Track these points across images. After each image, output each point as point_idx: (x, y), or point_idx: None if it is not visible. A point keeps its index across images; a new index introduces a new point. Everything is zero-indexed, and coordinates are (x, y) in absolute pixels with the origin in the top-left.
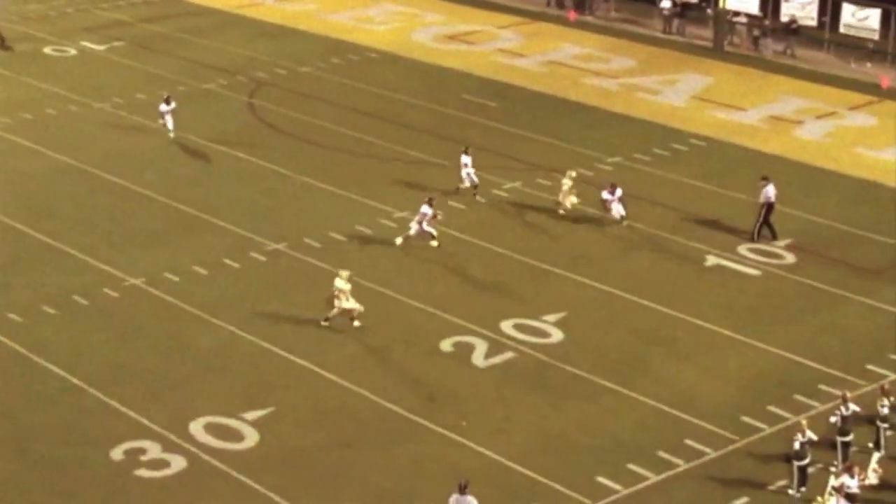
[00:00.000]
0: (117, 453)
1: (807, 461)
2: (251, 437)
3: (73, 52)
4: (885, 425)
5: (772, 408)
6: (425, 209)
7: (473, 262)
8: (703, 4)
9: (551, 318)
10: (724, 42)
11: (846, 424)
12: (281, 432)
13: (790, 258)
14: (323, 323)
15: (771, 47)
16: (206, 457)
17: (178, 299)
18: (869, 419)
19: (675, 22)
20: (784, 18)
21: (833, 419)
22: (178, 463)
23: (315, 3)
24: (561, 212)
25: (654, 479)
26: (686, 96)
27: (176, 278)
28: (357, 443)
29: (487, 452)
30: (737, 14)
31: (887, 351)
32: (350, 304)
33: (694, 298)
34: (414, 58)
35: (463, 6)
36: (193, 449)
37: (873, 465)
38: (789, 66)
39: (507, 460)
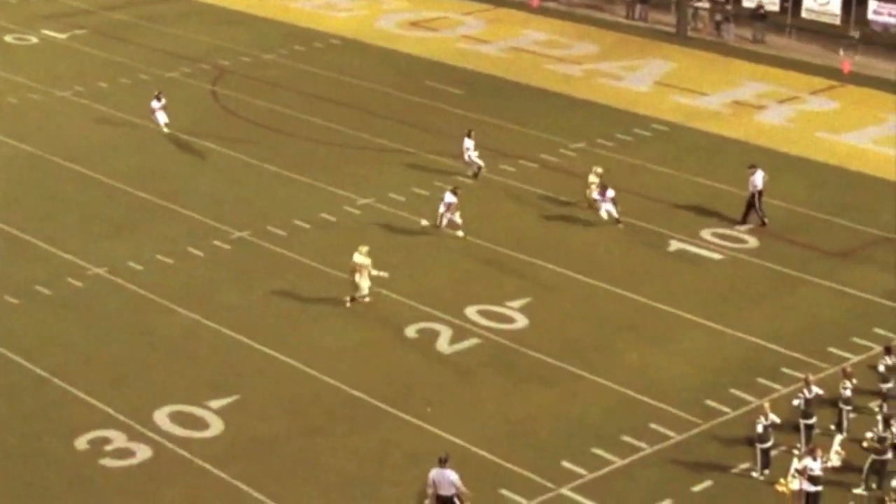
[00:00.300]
0: (82, 443)
1: (770, 444)
2: (216, 426)
3: (34, 40)
4: (848, 407)
5: (735, 391)
6: (449, 198)
7: (437, 249)
8: None
9: (515, 303)
10: (687, 28)
11: (809, 407)
12: (246, 420)
13: (753, 242)
14: (366, 299)
15: (733, 32)
16: (171, 445)
17: (142, 288)
18: (832, 402)
19: (638, 7)
20: (748, 4)
21: (796, 402)
22: (143, 452)
23: None
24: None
25: (618, 463)
26: (649, 82)
27: (139, 267)
28: (322, 430)
29: (452, 438)
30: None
31: (849, 334)
32: (359, 279)
33: (657, 283)
34: (377, 45)
35: None
36: (158, 438)
37: (836, 447)
38: (751, 52)
39: (472, 446)
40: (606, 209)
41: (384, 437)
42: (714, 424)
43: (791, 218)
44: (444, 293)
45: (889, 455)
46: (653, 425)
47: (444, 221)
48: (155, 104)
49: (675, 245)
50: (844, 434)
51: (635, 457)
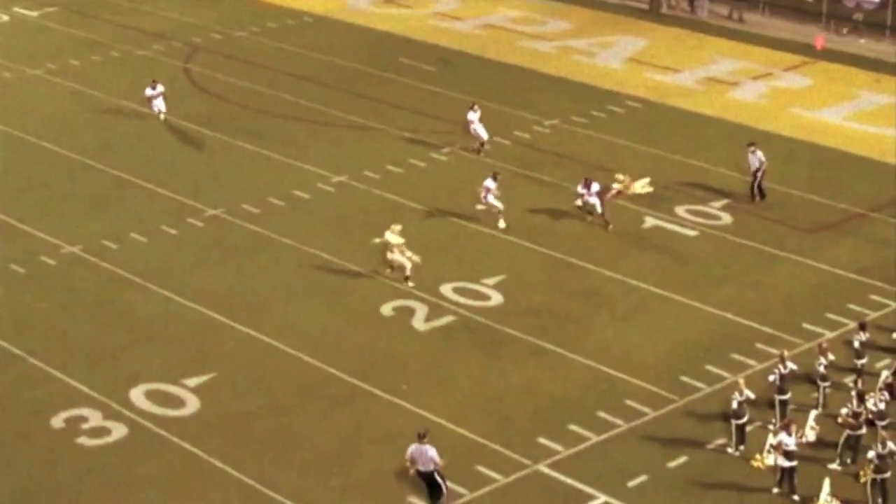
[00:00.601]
0: (58, 421)
1: (745, 420)
2: (192, 404)
3: (5, 17)
4: (826, 384)
5: (710, 367)
6: (489, 183)
7: (412, 226)
8: None
9: (490, 281)
10: (660, 4)
11: (784, 383)
12: (222, 398)
13: (727, 218)
14: (409, 284)
15: (707, 9)
16: (147, 423)
17: (117, 266)
18: (808, 378)
19: None
20: None
21: (771, 378)
22: (119, 430)
23: None
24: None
25: (594, 439)
26: (622, 58)
27: (114, 245)
28: (298, 407)
29: (428, 415)
30: None
31: (823, 310)
32: (400, 257)
33: (632, 260)
34: (351, 22)
35: None
36: (134, 416)
37: (811, 422)
38: (725, 28)
39: (447, 422)
40: (590, 202)
41: (360, 414)
42: (689, 400)
43: (765, 194)
44: (420, 270)
45: (863, 430)
46: (628, 401)
47: (496, 206)
48: (149, 92)
49: (649, 222)
50: (820, 409)
51: (611, 433)
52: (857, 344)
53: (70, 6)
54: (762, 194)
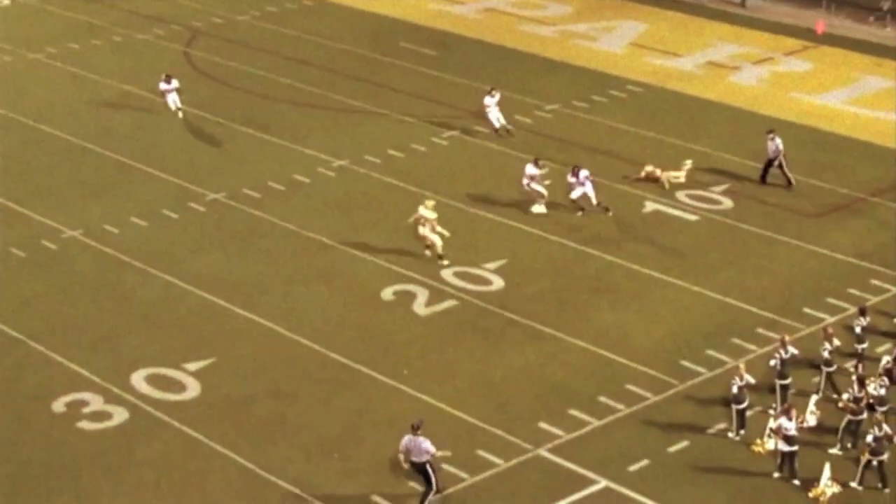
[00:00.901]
0: (59, 406)
1: (745, 404)
2: (193, 388)
3: (6, 1)
4: (831, 369)
5: (710, 352)
6: (531, 169)
7: (413, 211)
8: None
9: (491, 265)
10: None
11: (785, 367)
12: (223, 383)
13: (727, 203)
14: (444, 261)
15: None
16: (148, 408)
17: (118, 251)
18: (810, 363)
19: None
20: None
21: (772, 362)
22: (120, 414)
23: None
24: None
25: (595, 423)
26: (623, 43)
27: (115, 230)
28: (299, 392)
29: (429, 399)
30: None
31: (824, 294)
32: (430, 233)
33: (633, 244)
34: (351, 6)
35: None
36: (135, 400)
37: (811, 407)
38: (725, 13)
39: (448, 407)
40: (582, 192)
41: (361, 399)
42: (690, 385)
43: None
44: (421, 255)
45: (865, 416)
46: (629, 386)
47: (538, 191)
48: (164, 86)
49: (650, 206)
50: (820, 394)
51: (612, 418)
52: (857, 329)
53: None
54: (788, 181)
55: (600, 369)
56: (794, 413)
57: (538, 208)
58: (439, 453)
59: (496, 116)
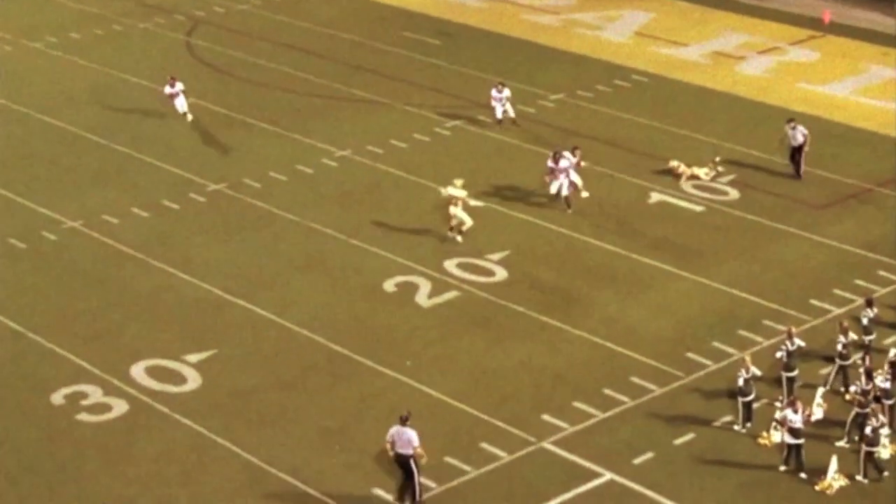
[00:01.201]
0: (58, 398)
1: (751, 397)
2: (193, 380)
3: None
4: (847, 362)
5: (716, 344)
6: (564, 163)
7: (416, 201)
8: None
9: (495, 256)
10: None
11: (791, 359)
12: (223, 374)
13: (734, 194)
14: (459, 238)
15: None
16: (148, 400)
17: (118, 241)
18: (825, 356)
19: None
20: None
21: (778, 354)
22: (119, 407)
23: None
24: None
25: (600, 416)
26: (628, 32)
27: (115, 220)
28: (300, 384)
29: (432, 392)
30: None
31: (830, 286)
32: (460, 212)
33: (638, 235)
34: None
35: None
36: (135, 392)
37: (818, 399)
38: (731, 2)
39: (451, 399)
40: (564, 182)
41: (363, 391)
42: (695, 377)
43: (772, 169)
44: (423, 246)
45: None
46: (634, 378)
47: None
48: (168, 90)
49: (655, 197)
50: (828, 387)
51: (616, 410)
52: (865, 320)
53: None
54: (798, 173)
55: (605, 361)
56: (800, 405)
57: (585, 193)
58: (421, 451)
59: (501, 109)
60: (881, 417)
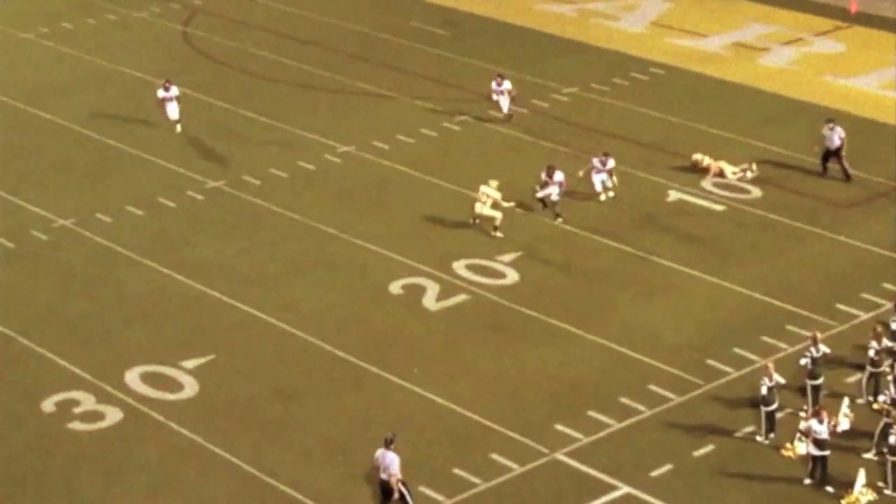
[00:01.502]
0: (48, 405)
1: (775, 406)
2: (190, 387)
3: None
4: (878, 370)
5: (738, 350)
6: (595, 163)
7: (423, 200)
8: None
9: (506, 257)
10: None
11: (816, 367)
12: (222, 381)
13: (756, 192)
14: (499, 234)
15: None
16: (142, 408)
17: (111, 241)
18: (853, 363)
19: None
20: None
21: (803, 361)
22: (113, 415)
23: None
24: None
25: (615, 426)
26: (645, 22)
27: (108, 219)
28: (302, 391)
29: (440, 400)
30: None
31: (858, 289)
32: (491, 210)
33: (656, 236)
34: None
35: None
36: (129, 400)
37: (844, 409)
38: None
39: (460, 408)
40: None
41: (368, 399)
42: (716, 385)
43: (796, 166)
44: (431, 246)
45: None
46: (652, 386)
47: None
48: (162, 93)
49: (674, 195)
50: (865, 397)
51: (633, 420)
52: (894, 326)
53: None
54: (824, 170)
55: (621, 368)
56: (825, 415)
57: (607, 194)
58: (396, 479)
59: (504, 103)
60: None
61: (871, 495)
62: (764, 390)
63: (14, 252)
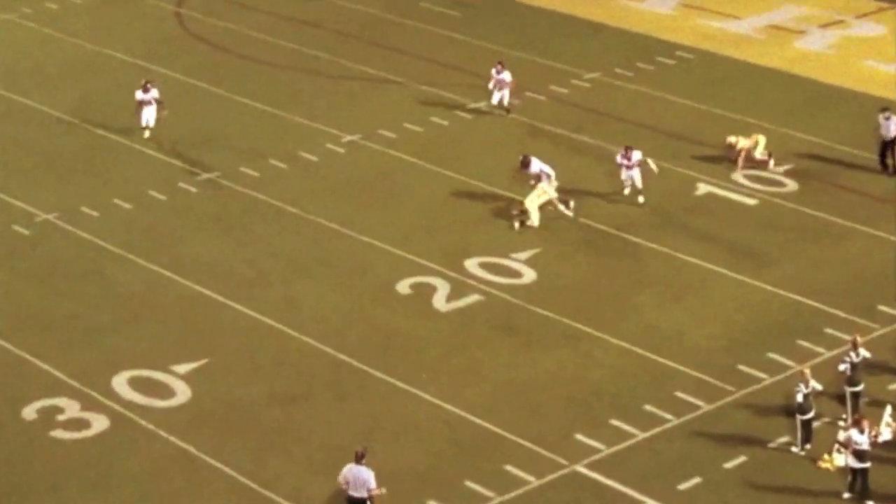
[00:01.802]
0: (30, 412)
1: (811, 415)
2: (182, 393)
3: None
4: None
5: (772, 355)
6: (629, 157)
7: (433, 193)
8: None
9: (522, 255)
10: None
11: (856, 373)
12: (216, 386)
13: (792, 185)
14: (517, 225)
15: None
16: (131, 415)
17: (98, 237)
18: (882, 367)
19: None
20: None
21: (842, 367)
22: (99, 422)
23: None
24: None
25: (640, 436)
26: (673, 2)
27: (95, 213)
28: (302, 397)
29: (450, 407)
30: None
31: None
32: (534, 207)
33: (683, 231)
34: None
35: None
36: (117, 406)
37: (886, 418)
38: None
39: (472, 416)
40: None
41: (372, 406)
42: (748, 392)
43: (834, 158)
44: (442, 243)
45: None
46: (678, 393)
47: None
48: (140, 95)
49: (703, 188)
50: None
51: (659, 429)
52: None
53: None
54: (890, 168)
55: (645, 373)
56: (866, 425)
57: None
58: (377, 491)
59: (499, 94)
60: None
61: None
62: (799, 398)
63: None
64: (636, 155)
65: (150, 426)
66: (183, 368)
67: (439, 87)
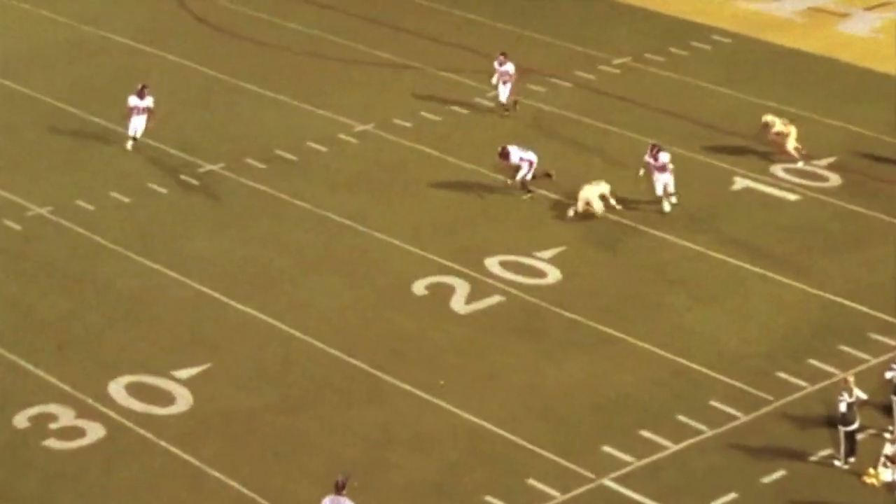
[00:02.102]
0: (21, 420)
1: (855, 426)
2: (183, 400)
3: None
4: None
5: (813, 361)
6: (656, 156)
7: (451, 186)
8: None
9: (546, 254)
10: None
11: None
12: (219, 393)
13: (834, 180)
14: (571, 212)
15: None
16: (128, 423)
17: (94, 232)
18: None
19: None
20: None
21: (888, 375)
22: (95, 431)
23: None
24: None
25: (671, 447)
26: None
27: (90, 207)
28: (311, 405)
29: (469, 416)
30: None
31: None
32: (597, 199)
33: (718, 229)
34: None
35: None
36: (113, 414)
37: None
38: None
39: (493, 426)
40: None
41: (386, 415)
42: (787, 402)
43: (880, 150)
44: (461, 240)
45: None
46: (713, 402)
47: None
48: (134, 101)
49: (740, 183)
50: None
51: (692, 441)
52: None
53: None
54: None
55: (677, 381)
56: None
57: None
58: None
59: (503, 90)
60: None
61: None
62: (843, 407)
63: None
64: (663, 156)
65: (149, 435)
66: (184, 373)
67: (458, 73)
